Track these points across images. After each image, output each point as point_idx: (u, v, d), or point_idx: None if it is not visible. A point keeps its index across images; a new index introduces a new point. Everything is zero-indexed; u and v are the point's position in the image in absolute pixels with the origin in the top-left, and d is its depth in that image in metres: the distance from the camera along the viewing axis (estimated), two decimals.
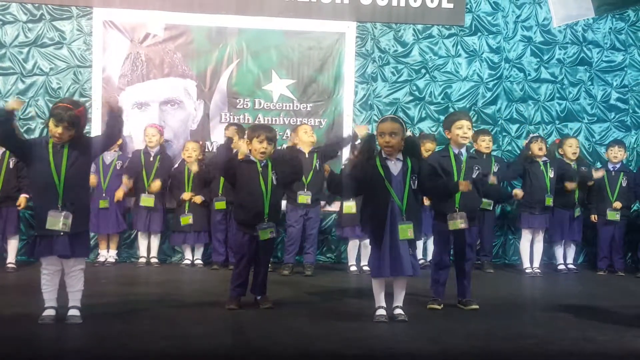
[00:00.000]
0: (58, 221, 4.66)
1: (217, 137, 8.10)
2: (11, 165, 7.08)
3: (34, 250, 4.81)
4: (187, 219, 7.60)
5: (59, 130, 4.71)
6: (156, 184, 7.59)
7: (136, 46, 8.15)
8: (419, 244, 7.59)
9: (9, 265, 7.11)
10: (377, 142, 5.21)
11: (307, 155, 7.39)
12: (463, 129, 5.57)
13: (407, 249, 4.99)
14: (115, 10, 8.09)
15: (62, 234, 4.68)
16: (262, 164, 5.50)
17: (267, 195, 5.44)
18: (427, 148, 7.65)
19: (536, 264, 7.78)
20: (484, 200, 7.41)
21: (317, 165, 7.32)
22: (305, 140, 7.40)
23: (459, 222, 5.46)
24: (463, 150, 5.61)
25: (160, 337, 4.56)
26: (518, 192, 7.80)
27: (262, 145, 5.46)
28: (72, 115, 4.73)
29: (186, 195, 7.65)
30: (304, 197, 7.17)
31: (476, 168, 5.59)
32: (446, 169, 5.53)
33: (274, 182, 5.48)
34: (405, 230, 4.98)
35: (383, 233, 5.02)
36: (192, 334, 4.66)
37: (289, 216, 7.33)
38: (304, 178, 7.01)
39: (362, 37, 8.49)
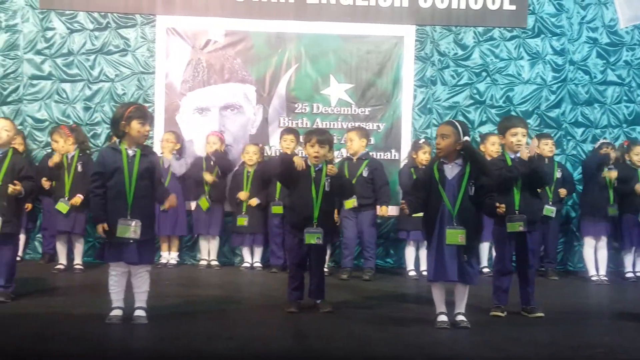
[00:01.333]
0: (128, 229, 4.79)
1: (276, 141, 8.16)
2: (79, 169, 7.27)
3: (103, 255, 4.95)
4: (242, 220, 7.70)
5: (147, 127, 4.91)
6: (209, 176, 7.71)
7: (197, 52, 8.29)
8: (484, 252, 7.55)
9: (76, 267, 7.31)
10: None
11: (355, 160, 7.40)
12: (517, 136, 5.49)
13: (454, 255, 4.92)
14: (178, 17, 8.24)
15: (131, 241, 4.80)
16: (316, 169, 5.52)
17: (318, 201, 5.46)
18: (492, 141, 7.57)
19: (602, 271, 7.56)
20: (547, 207, 7.36)
21: (364, 171, 7.34)
22: (354, 147, 7.42)
23: (517, 225, 5.37)
24: (519, 156, 5.52)
25: (222, 338, 4.63)
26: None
27: (314, 149, 5.49)
28: (150, 113, 4.91)
29: (243, 195, 7.73)
30: (350, 202, 7.15)
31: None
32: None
33: (327, 189, 5.49)
34: (455, 236, 4.91)
35: (432, 237, 5.00)
36: (253, 336, 4.70)
37: (342, 220, 7.33)
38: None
39: (421, 40, 8.43)
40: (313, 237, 5.40)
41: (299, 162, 5.49)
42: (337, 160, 7.59)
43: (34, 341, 4.40)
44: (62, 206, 7.16)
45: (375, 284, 7.09)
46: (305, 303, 5.58)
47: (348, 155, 7.59)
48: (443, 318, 5.02)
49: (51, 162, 7.27)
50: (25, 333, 4.60)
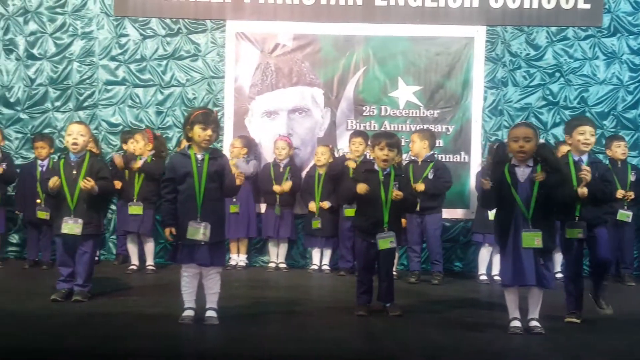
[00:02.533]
0: (198, 231, 4.87)
1: (344, 144, 8.16)
2: None
3: (176, 257, 5.05)
4: (317, 223, 7.73)
5: (209, 132, 4.94)
6: (278, 188, 7.77)
7: (266, 56, 8.37)
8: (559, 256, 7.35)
9: (149, 268, 7.47)
10: (507, 150, 5.08)
11: (420, 163, 7.33)
12: (585, 135, 5.31)
13: (532, 258, 4.82)
14: (247, 22, 8.34)
15: (202, 243, 4.88)
16: (385, 172, 5.48)
17: (387, 204, 5.42)
18: (563, 151, 7.35)
19: None
20: (621, 211, 7.12)
21: (430, 173, 7.25)
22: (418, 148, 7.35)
23: (576, 231, 5.23)
24: (584, 157, 5.34)
25: (291, 340, 4.65)
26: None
27: (383, 152, 5.45)
28: (215, 117, 4.99)
29: (312, 206, 7.78)
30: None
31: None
32: None
33: (395, 190, 5.44)
34: (531, 239, 4.81)
35: (507, 240, 4.89)
36: (323, 339, 4.70)
37: (407, 224, 7.26)
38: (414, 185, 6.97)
39: (492, 41, 8.29)
40: (386, 241, 5.37)
41: (361, 189, 5.40)
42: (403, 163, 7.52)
43: (110, 339, 4.51)
44: (135, 209, 7.33)
45: (445, 288, 7.00)
46: (374, 306, 5.55)
47: (412, 157, 7.50)
48: (516, 324, 4.90)
49: (118, 160, 7.45)
50: (102, 332, 4.72)
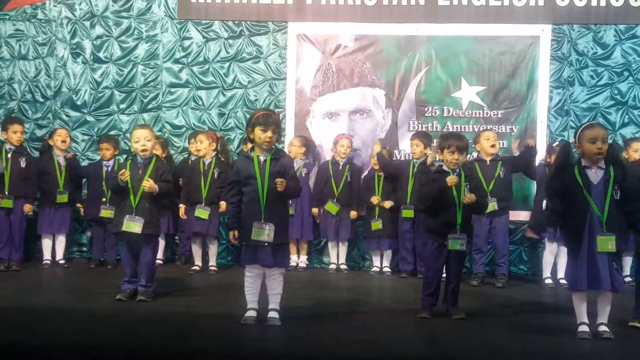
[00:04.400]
0: (262, 232, 4.89)
1: (405, 145, 8.08)
2: (216, 176, 7.53)
3: (239, 258, 5.07)
4: (377, 224, 7.66)
5: (269, 134, 4.94)
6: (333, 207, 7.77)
7: (327, 57, 8.36)
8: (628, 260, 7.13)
9: (211, 268, 7.54)
10: (573, 150, 4.95)
11: (488, 163, 7.18)
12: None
13: (606, 262, 4.68)
14: (308, 23, 8.35)
15: (265, 245, 4.89)
16: (455, 173, 5.40)
17: (460, 206, 5.33)
18: (635, 147, 7.12)
19: None
20: None
21: (501, 173, 7.10)
22: (488, 148, 7.18)
23: None
24: None
25: (353, 341, 4.61)
26: None
27: (454, 156, 5.37)
28: (276, 119, 4.99)
29: (374, 200, 7.70)
30: (491, 205, 6.90)
31: None
32: None
33: (467, 193, 5.34)
34: (605, 243, 4.67)
35: (580, 244, 4.74)
36: (384, 341, 4.66)
37: (475, 225, 7.12)
38: (485, 186, 6.85)
39: (557, 39, 8.08)
40: (457, 243, 5.29)
41: (451, 181, 5.32)
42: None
43: (174, 339, 4.57)
44: (202, 212, 7.41)
45: (509, 291, 6.84)
46: (437, 309, 5.47)
47: (479, 156, 7.35)
48: (584, 328, 4.76)
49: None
50: (166, 331, 4.79)
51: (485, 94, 8.13)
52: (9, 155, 7.43)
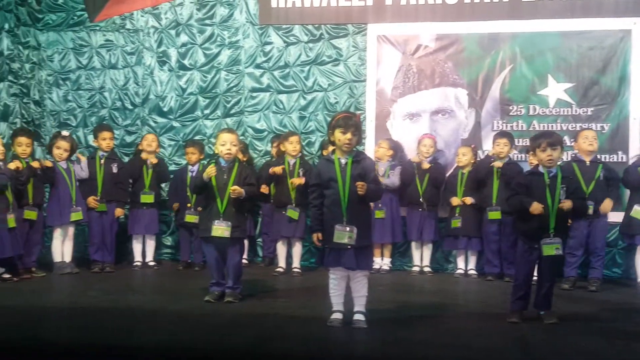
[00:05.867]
0: (344, 235, 4.88)
1: (489, 145, 7.91)
2: (301, 175, 7.56)
3: (323, 260, 5.08)
4: (456, 222, 7.57)
5: (348, 136, 4.93)
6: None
7: (408, 58, 8.29)
8: None
9: (295, 270, 7.59)
10: None
11: (588, 164, 6.94)
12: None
13: None
14: (388, 24, 8.30)
15: (348, 247, 4.88)
16: (550, 175, 5.23)
17: (554, 209, 5.16)
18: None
19: None
20: None
21: (601, 175, 6.88)
22: (585, 147, 6.94)
23: None
24: None
25: (441, 346, 4.54)
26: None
27: (546, 153, 5.20)
28: (356, 121, 4.96)
29: (455, 201, 7.61)
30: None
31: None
32: None
33: (562, 197, 5.18)
34: None
35: None
36: (474, 345, 4.57)
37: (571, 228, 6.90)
38: (585, 188, 6.62)
39: None
40: (551, 247, 5.13)
41: (536, 209, 5.11)
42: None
43: (261, 340, 4.61)
44: (293, 212, 7.47)
45: (603, 295, 6.59)
46: (528, 313, 5.32)
47: (578, 156, 7.11)
48: None
49: (272, 171, 7.60)
50: (253, 332, 4.84)
51: (574, 91, 7.87)
52: (102, 162, 7.71)
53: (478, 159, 7.78)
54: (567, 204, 5.12)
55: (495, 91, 8.07)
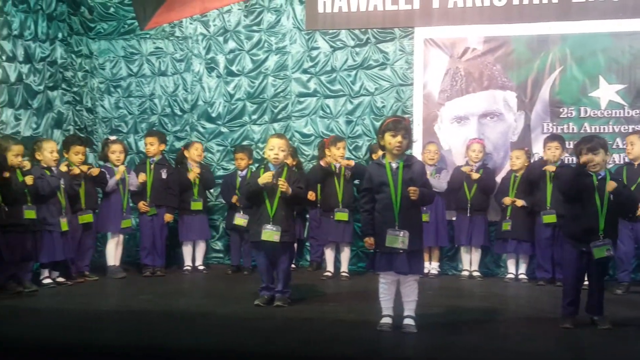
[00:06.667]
0: (396, 239, 4.88)
1: (539, 148, 7.80)
2: (348, 177, 7.60)
3: (374, 265, 5.08)
4: (507, 225, 7.49)
5: (398, 139, 4.92)
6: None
7: (455, 61, 8.24)
8: None
9: (343, 274, 7.60)
10: None
11: (635, 167, 6.82)
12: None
13: None
14: (436, 28, 8.26)
15: (400, 251, 4.87)
16: (599, 177, 5.15)
17: (603, 211, 5.08)
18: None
19: None
20: None
21: None
22: (629, 150, 6.82)
23: None
24: None
25: (492, 351, 4.52)
26: None
27: (588, 157, 5.13)
28: (405, 125, 4.96)
29: (507, 200, 7.53)
30: None
31: None
32: None
33: (611, 198, 5.08)
34: None
35: None
36: (526, 351, 4.51)
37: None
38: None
39: None
40: (602, 250, 5.04)
41: (610, 186, 5.11)
42: (609, 166, 7.02)
43: (312, 344, 4.65)
44: (342, 215, 7.49)
45: None
46: (581, 319, 5.22)
47: (627, 160, 6.99)
48: None
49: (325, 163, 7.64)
50: (304, 336, 4.88)
51: (626, 93, 7.71)
52: (152, 167, 7.85)
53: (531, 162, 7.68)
54: (611, 185, 5.05)
55: (545, 93, 7.95)
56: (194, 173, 8.01)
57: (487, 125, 8.15)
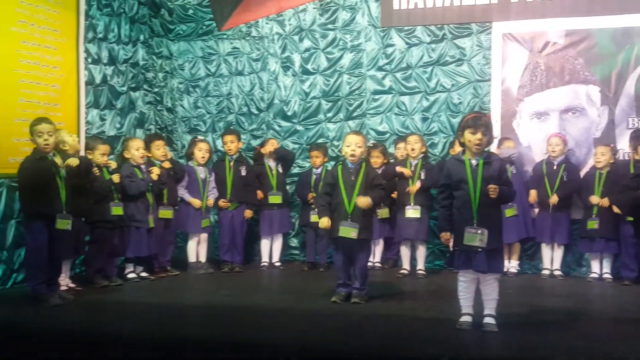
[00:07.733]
0: (475, 237, 4.82)
1: (624, 144, 7.55)
2: (422, 176, 7.52)
3: (453, 263, 5.04)
4: (593, 224, 7.30)
5: (478, 136, 4.86)
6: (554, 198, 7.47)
7: (535, 56, 8.05)
8: None
9: (419, 272, 7.55)
10: None
11: None
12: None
13: None
14: (514, 22, 8.10)
15: (479, 250, 4.81)
16: None
17: None
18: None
19: None
20: None
21: None
22: None
23: None
24: None
25: (577, 351, 4.39)
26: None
27: None
28: (486, 121, 4.88)
29: (594, 199, 7.33)
30: None
31: None
32: None
33: None
34: None
35: None
36: (614, 353, 4.37)
37: None
38: None
39: None
40: None
41: None
42: None
43: (391, 341, 4.64)
44: (414, 212, 7.44)
45: None
46: None
47: None
48: None
49: (400, 170, 7.60)
50: (381, 334, 4.88)
51: None
52: (231, 164, 8.00)
53: (617, 159, 7.45)
54: None
55: (630, 87, 7.68)
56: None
57: (569, 121, 7.93)
